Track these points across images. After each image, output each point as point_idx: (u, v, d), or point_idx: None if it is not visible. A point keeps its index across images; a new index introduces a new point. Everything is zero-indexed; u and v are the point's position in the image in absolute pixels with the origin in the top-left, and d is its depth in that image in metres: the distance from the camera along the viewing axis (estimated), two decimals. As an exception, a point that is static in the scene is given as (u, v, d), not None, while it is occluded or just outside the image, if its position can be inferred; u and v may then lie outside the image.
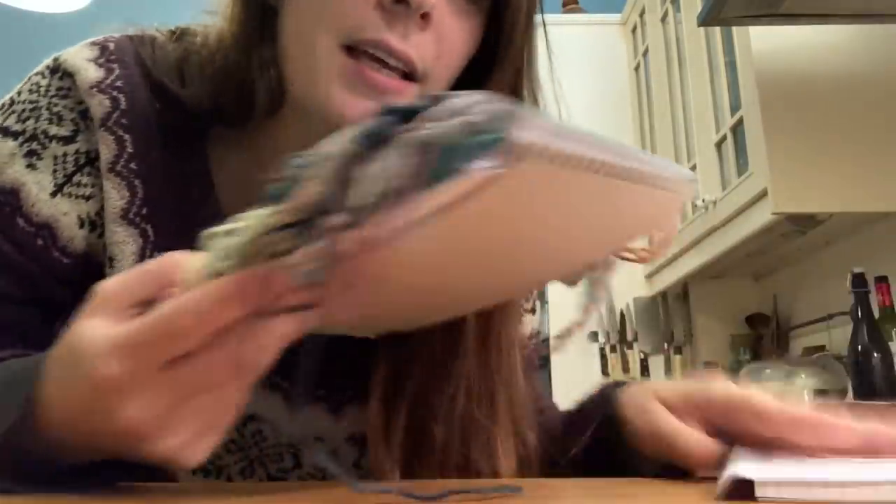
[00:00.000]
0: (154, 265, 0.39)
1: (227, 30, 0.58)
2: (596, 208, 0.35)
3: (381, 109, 0.31)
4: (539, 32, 0.62)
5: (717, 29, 2.15)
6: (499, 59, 0.59)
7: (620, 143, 0.33)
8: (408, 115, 0.31)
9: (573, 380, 2.33)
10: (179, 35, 0.63)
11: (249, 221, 0.35)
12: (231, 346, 0.35)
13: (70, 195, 0.58)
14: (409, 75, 0.53)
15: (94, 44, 0.60)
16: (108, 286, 0.39)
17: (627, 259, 0.43)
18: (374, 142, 0.31)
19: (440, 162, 0.29)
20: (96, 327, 0.37)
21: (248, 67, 0.57)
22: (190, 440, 0.37)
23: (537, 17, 0.61)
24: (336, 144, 0.32)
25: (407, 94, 0.52)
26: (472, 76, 0.59)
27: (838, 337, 2.06)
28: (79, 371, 0.37)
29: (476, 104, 0.29)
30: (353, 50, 0.52)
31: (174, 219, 0.59)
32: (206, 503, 0.37)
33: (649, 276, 2.82)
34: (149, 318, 0.36)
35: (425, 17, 0.52)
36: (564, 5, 3.43)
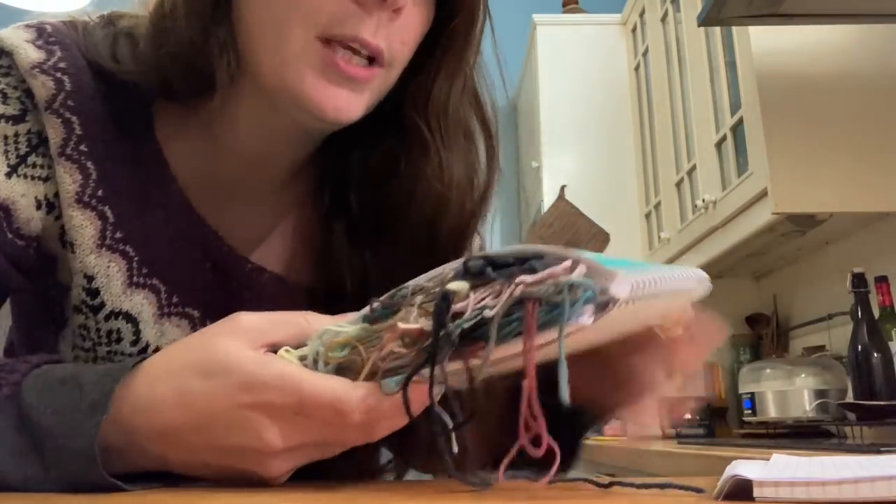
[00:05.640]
0: (293, 320, 0.44)
1: (179, 7, 0.56)
2: (643, 310, 0.42)
3: (478, 259, 0.37)
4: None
5: (717, 29, 2.15)
6: (454, 36, 0.62)
7: (663, 268, 0.41)
8: (498, 264, 0.37)
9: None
10: (109, 20, 0.62)
11: (353, 330, 0.41)
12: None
13: (26, 176, 0.57)
14: (374, 60, 0.55)
15: (28, 26, 0.59)
16: (250, 320, 0.44)
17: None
18: (475, 281, 0.37)
19: (545, 314, 0.35)
20: (245, 351, 0.42)
21: (204, 48, 0.56)
22: (294, 467, 0.43)
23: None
24: (437, 279, 0.39)
25: (374, 80, 0.56)
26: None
27: (838, 337, 2.06)
28: (226, 382, 0.41)
29: (572, 262, 0.36)
30: (327, 41, 0.54)
31: (131, 198, 0.59)
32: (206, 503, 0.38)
33: (649, 276, 2.82)
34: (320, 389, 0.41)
35: (397, 10, 0.55)
36: (564, 5, 3.43)
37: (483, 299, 0.37)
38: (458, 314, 0.37)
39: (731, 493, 0.33)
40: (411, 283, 0.40)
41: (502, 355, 0.36)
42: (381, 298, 0.41)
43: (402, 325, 0.39)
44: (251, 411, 0.41)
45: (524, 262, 0.36)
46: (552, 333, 0.34)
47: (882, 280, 1.76)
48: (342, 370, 0.42)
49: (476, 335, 0.36)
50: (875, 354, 1.68)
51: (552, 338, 0.34)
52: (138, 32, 0.59)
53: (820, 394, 1.84)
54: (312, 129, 0.60)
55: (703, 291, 0.48)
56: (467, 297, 0.37)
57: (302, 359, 0.43)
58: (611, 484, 0.41)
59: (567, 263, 0.35)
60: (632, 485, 0.41)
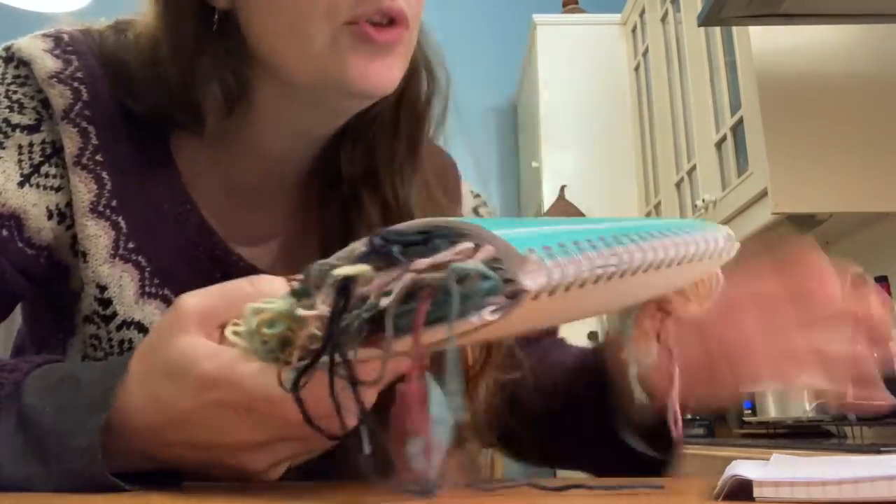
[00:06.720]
0: (238, 289, 0.42)
1: (162, 40, 0.57)
2: (624, 288, 0.35)
3: (382, 237, 0.31)
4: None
5: (717, 29, 2.16)
6: None
7: (645, 223, 0.33)
8: (407, 243, 0.31)
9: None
10: (119, 30, 0.62)
11: (280, 305, 0.36)
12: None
13: (38, 186, 0.57)
14: (397, 22, 0.55)
15: (46, 35, 0.59)
16: (192, 303, 0.42)
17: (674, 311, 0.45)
18: (379, 263, 0.31)
19: (444, 306, 0.29)
20: (197, 345, 0.41)
21: (191, 82, 0.57)
22: (280, 462, 0.43)
23: None
24: (344, 258, 0.33)
25: (402, 41, 0.56)
26: None
27: (838, 337, 2.06)
28: (186, 382, 0.40)
29: (475, 245, 0.29)
30: (354, 23, 0.54)
31: (144, 209, 0.59)
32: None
33: (649, 276, 2.82)
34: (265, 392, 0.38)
35: None
36: (564, 5, 3.43)
37: (388, 283, 0.30)
38: (366, 298, 0.31)
39: (731, 493, 0.33)
40: (325, 260, 0.34)
41: (408, 348, 0.30)
42: (301, 275, 0.34)
43: (300, 312, 0.33)
44: (215, 408, 0.40)
45: (429, 241, 0.30)
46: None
47: (882, 280, 1.76)
48: (286, 346, 0.36)
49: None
50: (875, 354, 1.68)
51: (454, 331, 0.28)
52: (139, 60, 0.59)
53: (820, 394, 1.84)
54: (347, 108, 0.60)
55: (727, 254, 0.39)
56: (372, 279, 0.31)
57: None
58: (566, 487, 0.38)
59: (466, 245, 0.29)
60: (586, 486, 0.38)
